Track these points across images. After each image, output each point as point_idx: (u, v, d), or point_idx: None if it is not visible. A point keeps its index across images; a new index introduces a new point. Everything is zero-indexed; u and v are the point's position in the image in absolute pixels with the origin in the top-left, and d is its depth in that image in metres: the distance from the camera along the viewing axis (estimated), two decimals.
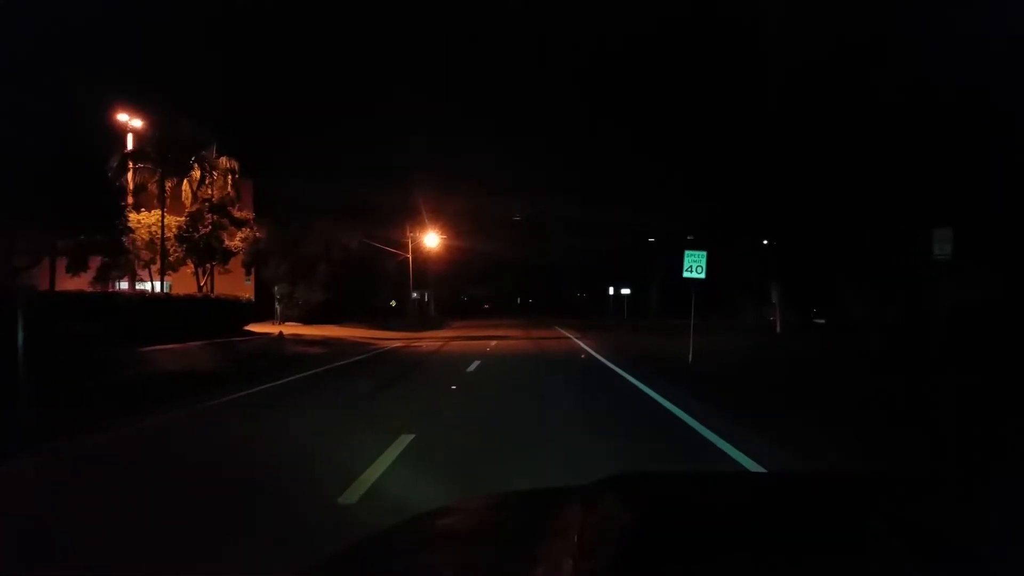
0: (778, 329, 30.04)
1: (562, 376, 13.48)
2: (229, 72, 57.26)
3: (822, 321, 35.08)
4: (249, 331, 27.85)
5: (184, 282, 29.80)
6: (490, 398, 9.93)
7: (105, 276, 21.98)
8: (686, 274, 17.22)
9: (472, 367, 15.01)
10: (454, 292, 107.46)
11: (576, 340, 26.29)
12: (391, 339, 28.64)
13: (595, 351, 20.05)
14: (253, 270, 38.65)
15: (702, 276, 17.18)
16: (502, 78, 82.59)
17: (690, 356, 16.55)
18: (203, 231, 24.60)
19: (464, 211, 72.91)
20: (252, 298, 39.10)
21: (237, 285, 39.10)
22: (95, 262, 21.47)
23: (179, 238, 24.26)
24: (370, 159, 63.09)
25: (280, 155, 44.70)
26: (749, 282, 46.94)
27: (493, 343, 24.63)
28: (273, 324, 34.82)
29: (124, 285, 26.65)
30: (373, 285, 54.71)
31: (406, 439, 6.47)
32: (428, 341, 27.16)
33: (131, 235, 24.52)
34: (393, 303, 55.32)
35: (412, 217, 53.77)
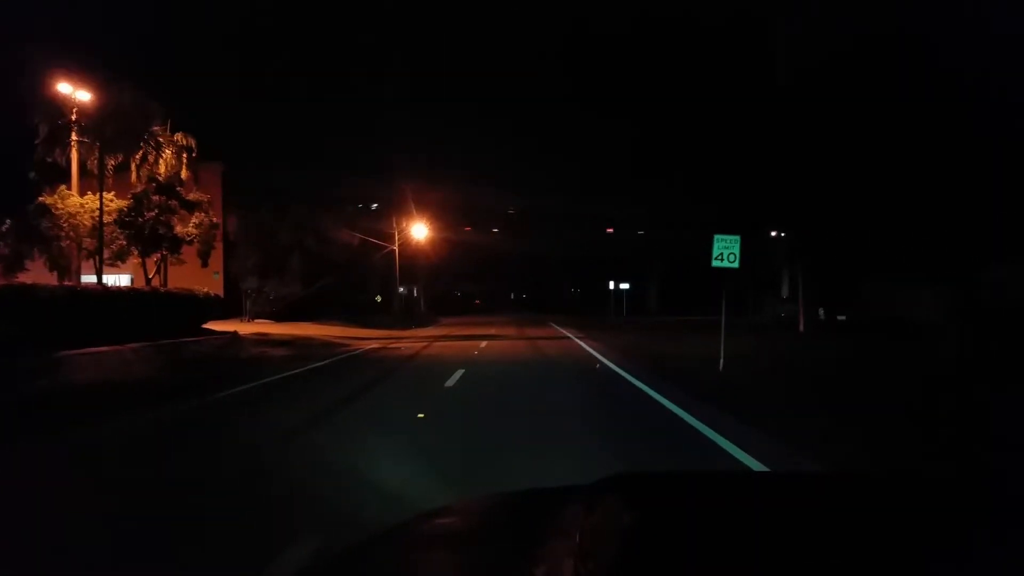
0: (801, 327, 27.05)
1: (569, 392, 10.39)
2: (203, 57, 53.92)
3: (843, 318, 32.24)
4: (209, 330, 24.72)
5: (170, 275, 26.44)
6: (472, 439, 6.76)
7: (12, 266, 18.77)
8: (716, 263, 14.27)
9: (454, 379, 11.91)
10: (447, 288, 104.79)
11: (577, 341, 23.23)
12: (370, 339, 25.52)
13: (603, 355, 16.97)
14: (222, 262, 35.41)
15: (735, 265, 14.24)
16: (496, 67, 79.42)
17: (720, 362, 13.55)
18: (149, 216, 21.33)
19: (456, 204, 69.95)
20: (220, 294, 35.86)
21: (205, 279, 35.84)
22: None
23: (120, 223, 20.99)
24: (356, 148, 59.86)
25: (261, 144, 41.52)
26: (766, 277, 44.12)
27: (483, 344, 21.55)
28: (241, 322, 31.64)
29: (87, 280, 23.47)
30: (358, 279, 51.53)
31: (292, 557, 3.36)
32: (410, 341, 24.05)
33: (70, 220, 21.33)
34: (379, 299, 52.16)
35: (400, 208, 50.65)
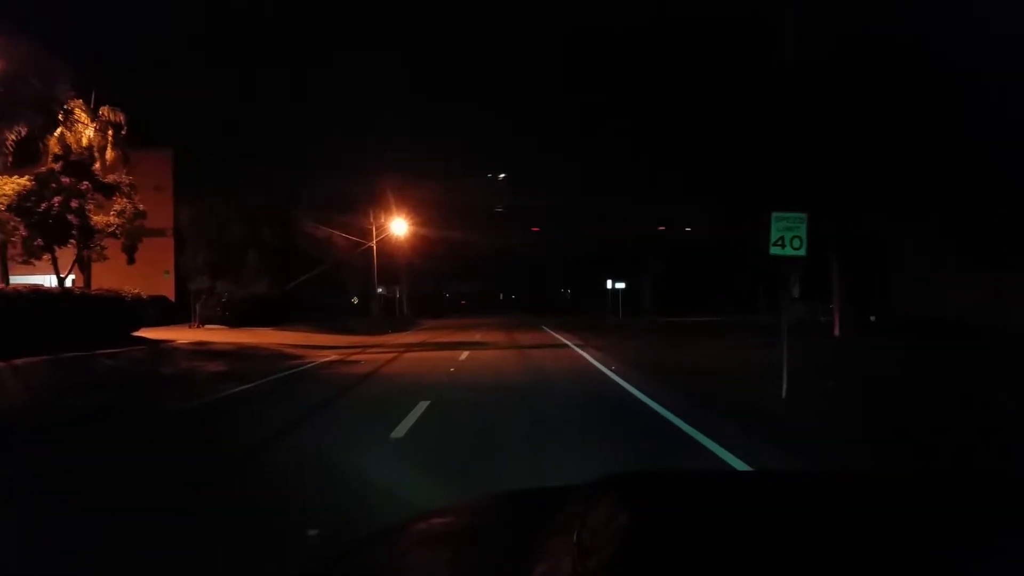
0: (837, 330, 23.37)
1: (585, 447, 6.56)
2: (173, 38, 49.78)
3: (873, 318, 28.73)
4: (140, 339, 20.84)
5: (109, 274, 22.37)
6: None
7: None
8: (775, 251, 10.54)
9: (410, 419, 8.05)
10: (434, 288, 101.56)
11: (578, 350, 19.44)
12: (333, 348, 21.64)
13: (617, 373, 13.12)
14: (174, 260, 31.41)
15: (801, 253, 10.52)
16: (487, 57, 75.48)
17: (784, 386, 9.86)
18: (55, 201, 17.35)
19: (442, 202, 66.08)
20: (170, 296, 31.88)
21: (153, 279, 31.84)
22: None
23: (18, 209, 17.01)
24: (336, 142, 55.62)
25: (237, 135, 37.43)
26: (789, 273, 40.23)
27: (464, 356, 17.71)
28: (189, 328, 27.67)
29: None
30: (338, 280, 47.55)
31: None
32: (378, 351, 20.18)
33: None
34: (355, 300, 48.26)
35: (380, 204, 46.78)
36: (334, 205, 47.29)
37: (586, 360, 16.22)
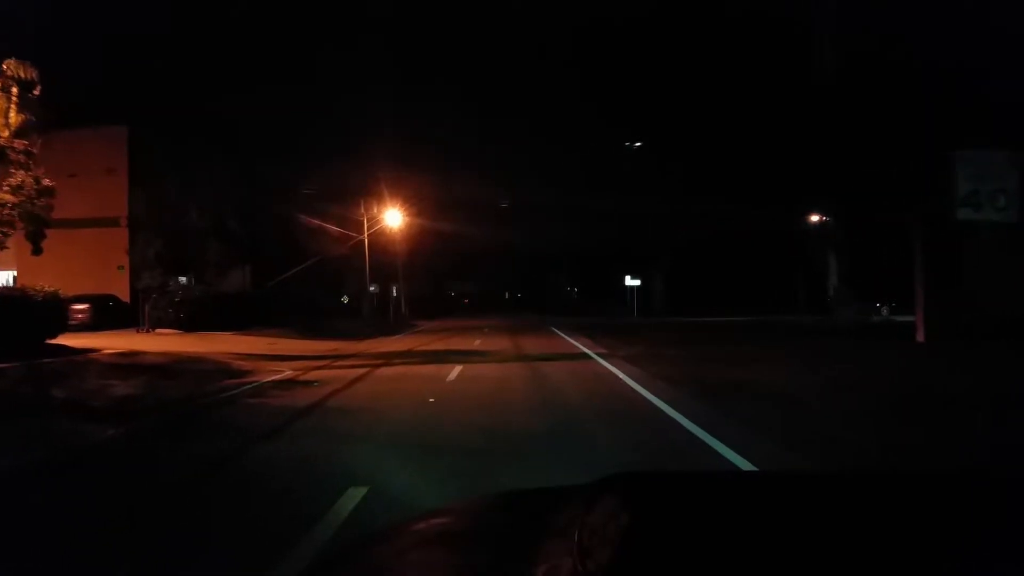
0: (921, 336, 18.97)
1: None
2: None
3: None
4: (61, 348, 16.83)
5: (53, 270, 18.17)
6: None
7: None
8: (964, 214, 7.13)
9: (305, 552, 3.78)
10: (436, 287, 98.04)
11: (602, 362, 15.13)
12: (296, 358, 17.46)
13: (676, 405, 8.70)
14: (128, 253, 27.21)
15: (1005, 216, 6.90)
16: (484, 43, 71.01)
17: None
18: None
19: (444, 197, 61.88)
20: (124, 295, 27.71)
21: (106, 273, 27.70)
22: None
23: None
24: (331, 132, 51.07)
25: (204, 117, 33.22)
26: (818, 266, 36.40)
27: (454, 373, 13.38)
28: (138, 333, 23.52)
29: None
30: (332, 277, 43.42)
31: None
32: (347, 366, 15.88)
33: None
34: (345, 299, 44.09)
35: (372, 194, 42.62)
36: (325, 196, 43.12)
37: (620, 381, 11.89)
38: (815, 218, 43.09)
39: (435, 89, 75.04)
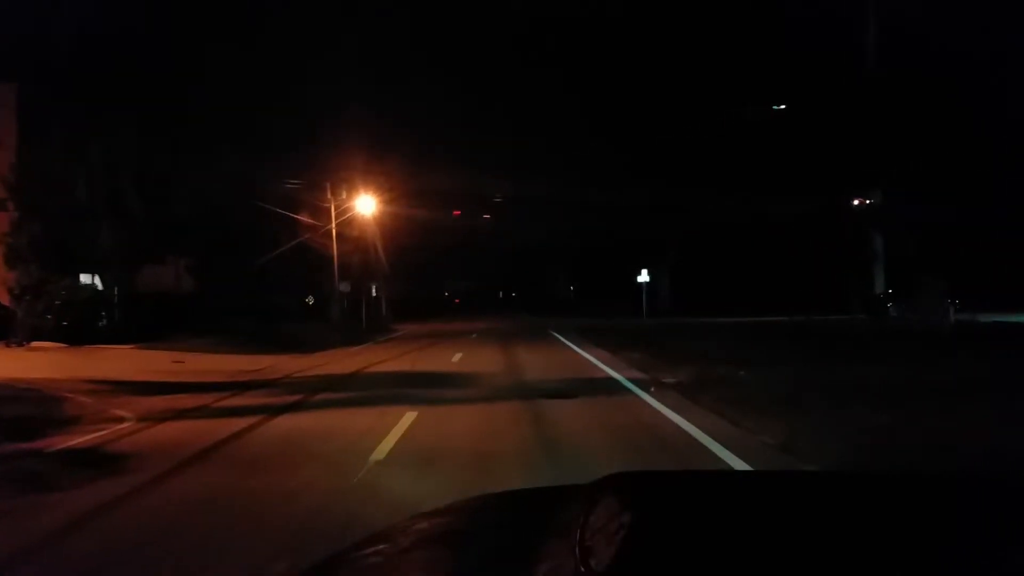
0: None
1: None
2: None
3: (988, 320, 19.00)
4: None
5: None
6: None
7: None
8: None
9: None
10: (428, 286, 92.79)
11: (655, 404, 9.17)
12: (181, 390, 11.54)
13: None
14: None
15: None
16: (477, 27, 64.92)
17: None
18: None
19: (434, 191, 56.14)
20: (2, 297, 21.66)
21: None
22: None
23: None
24: (290, 101, 44.38)
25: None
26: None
27: (397, 432, 7.31)
28: (7, 346, 17.53)
29: None
30: (287, 274, 37.44)
31: None
32: (244, 406, 9.90)
33: None
34: (310, 301, 38.15)
35: (342, 178, 36.68)
36: (291, 183, 37.11)
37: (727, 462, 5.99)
38: (856, 201, 37.32)
39: (415, 72, 69.05)
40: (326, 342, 24.35)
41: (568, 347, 19.80)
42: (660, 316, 47.72)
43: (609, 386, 10.85)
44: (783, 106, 37.31)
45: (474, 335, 27.24)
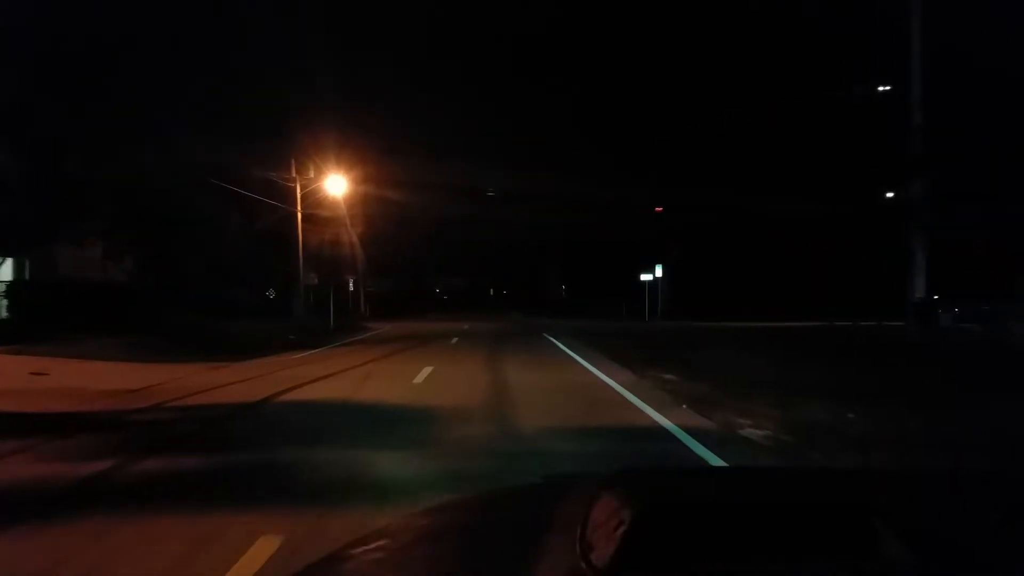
0: None
1: None
2: None
3: None
4: None
5: None
6: None
7: None
8: None
9: None
10: (418, 282, 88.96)
11: None
12: None
13: None
14: None
15: None
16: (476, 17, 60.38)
17: None
18: None
19: (424, 182, 51.82)
20: None
21: None
22: None
23: None
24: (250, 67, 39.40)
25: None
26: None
27: None
28: None
29: None
30: (251, 265, 32.75)
31: None
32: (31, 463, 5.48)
33: None
34: (271, 294, 33.51)
35: (311, 154, 32.01)
36: (250, 161, 32.37)
37: None
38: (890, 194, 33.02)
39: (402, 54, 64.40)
40: (271, 345, 19.83)
41: (573, 360, 15.30)
42: (662, 319, 43.38)
43: (668, 450, 6.31)
44: (887, 87, 33.27)
45: (455, 339, 22.70)
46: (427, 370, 12.79)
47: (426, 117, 65.40)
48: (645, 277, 42.61)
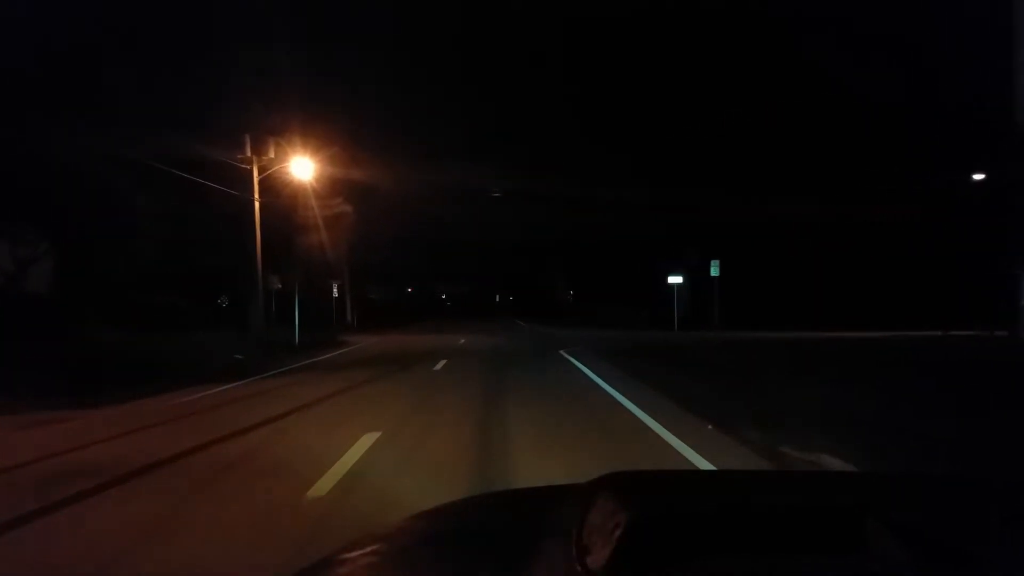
0: None
1: None
2: None
3: None
4: None
5: None
6: None
7: None
8: None
9: None
10: (420, 288, 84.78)
11: None
12: None
13: None
14: None
15: None
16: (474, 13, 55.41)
17: None
18: None
19: (425, 184, 47.11)
20: None
21: None
22: None
23: None
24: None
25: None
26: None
27: None
28: None
29: None
30: (204, 271, 27.10)
31: None
32: None
33: None
34: (224, 302, 27.90)
35: (280, 138, 26.35)
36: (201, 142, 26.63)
37: None
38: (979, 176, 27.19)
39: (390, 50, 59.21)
40: (203, 369, 14.23)
41: (620, 407, 9.44)
42: (690, 329, 37.31)
43: None
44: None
45: (443, 362, 16.87)
46: (371, 439, 7.00)
47: (426, 117, 60.92)
48: (673, 280, 36.73)
